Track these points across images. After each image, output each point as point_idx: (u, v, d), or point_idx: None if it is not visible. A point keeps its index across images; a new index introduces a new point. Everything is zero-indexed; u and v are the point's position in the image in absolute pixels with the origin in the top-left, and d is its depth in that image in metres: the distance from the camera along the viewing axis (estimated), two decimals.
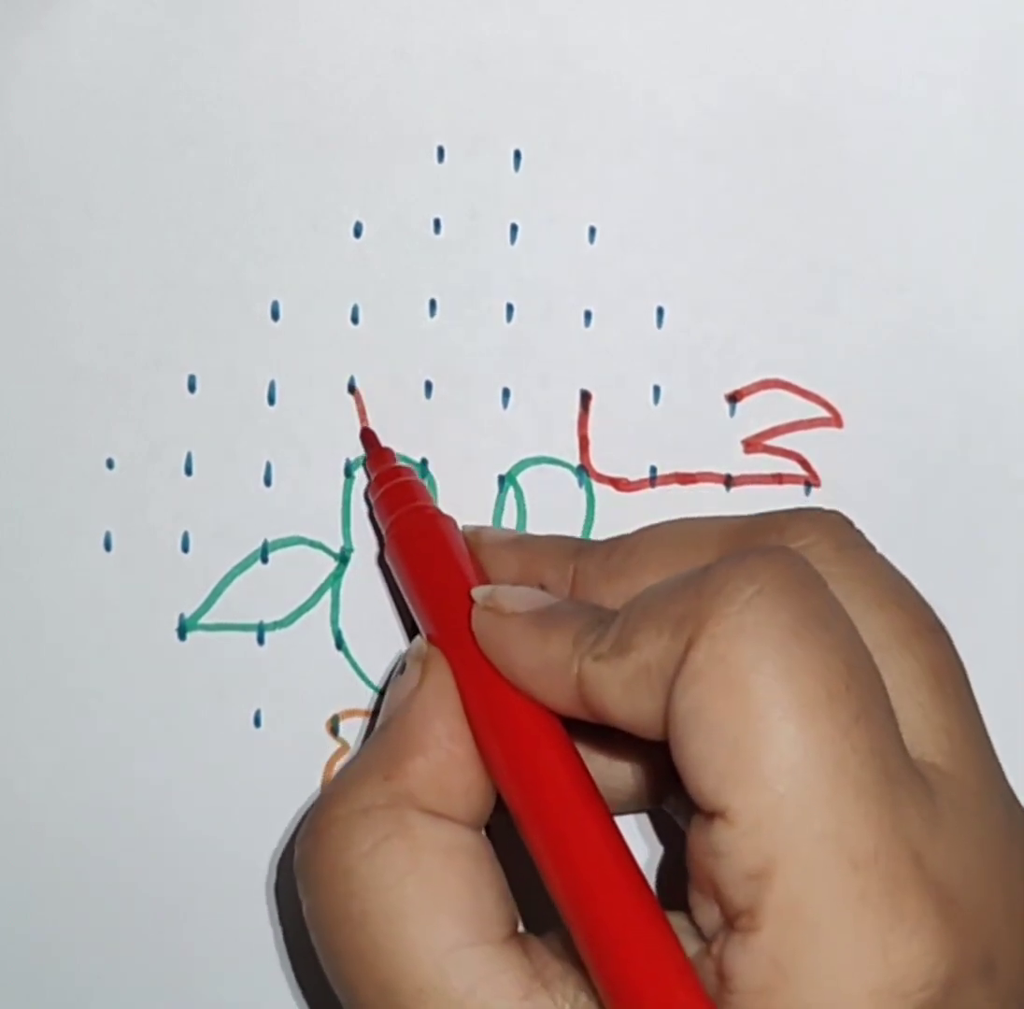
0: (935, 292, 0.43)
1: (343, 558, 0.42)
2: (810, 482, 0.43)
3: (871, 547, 0.37)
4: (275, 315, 0.42)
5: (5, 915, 0.42)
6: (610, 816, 0.34)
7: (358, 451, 0.42)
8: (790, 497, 0.43)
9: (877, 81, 0.43)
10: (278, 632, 0.42)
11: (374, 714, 0.42)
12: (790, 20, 0.42)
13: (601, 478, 0.42)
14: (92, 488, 0.42)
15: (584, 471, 0.42)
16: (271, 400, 0.42)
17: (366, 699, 0.42)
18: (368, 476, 0.42)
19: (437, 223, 0.42)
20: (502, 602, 0.36)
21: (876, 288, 0.43)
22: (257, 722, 0.42)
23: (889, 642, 0.34)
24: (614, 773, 0.38)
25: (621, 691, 0.33)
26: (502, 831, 0.36)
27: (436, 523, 0.40)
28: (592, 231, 0.42)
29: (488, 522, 0.42)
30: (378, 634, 0.42)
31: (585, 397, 0.42)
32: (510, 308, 0.42)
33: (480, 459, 0.42)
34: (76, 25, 0.41)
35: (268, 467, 0.42)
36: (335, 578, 0.42)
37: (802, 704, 0.31)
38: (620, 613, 0.34)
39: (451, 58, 0.42)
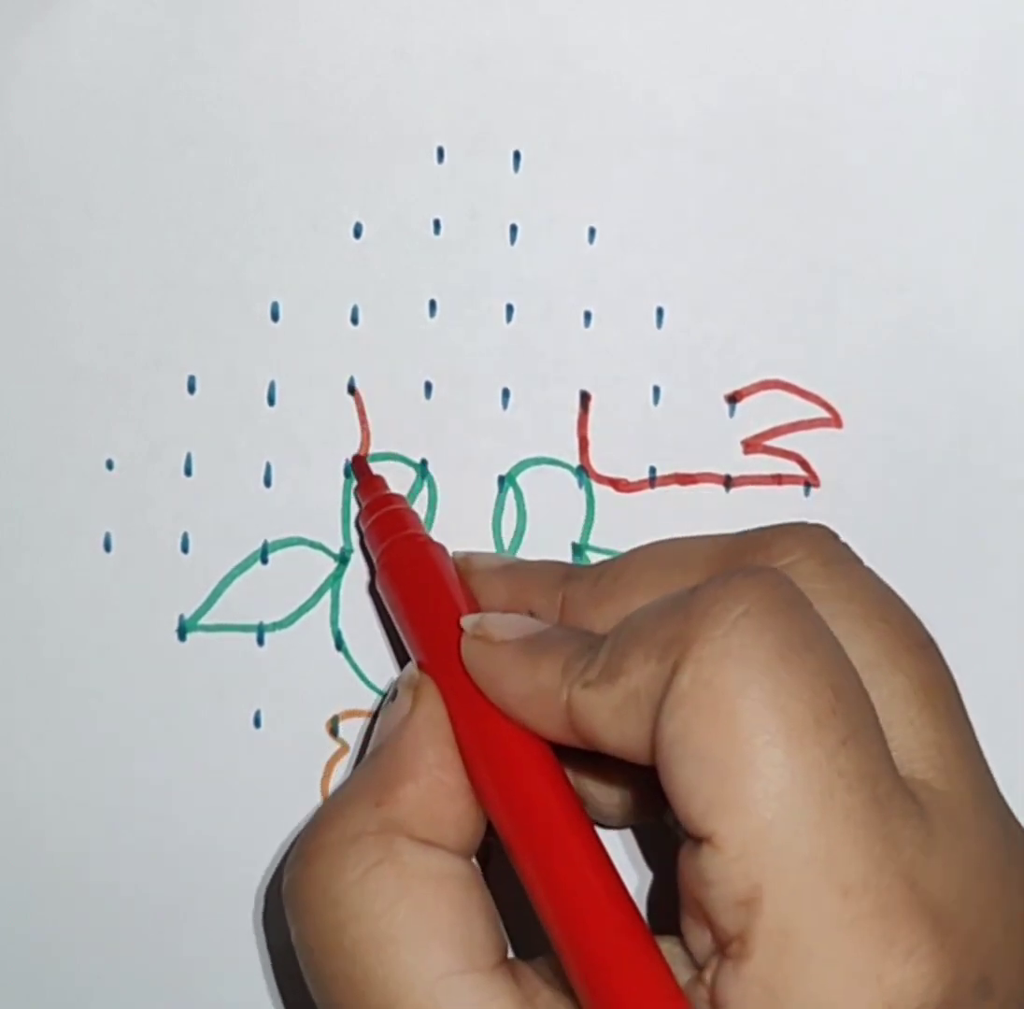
0: (935, 292, 0.43)
1: (343, 559, 0.42)
2: (810, 483, 0.43)
3: (858, 561, 0.36)
4: (275, 315, 0.42)
5: (5, 915, 0.42)
6: (600, 843, 0.34)
7: (357, 451, 0.42)
8: (790, 497, 0.43)
9: (877, 81, 0.43)
10: (278, 633, 0.42)
11: (372, 722, 0.42)
12: (790, 20, 0.42)
13: (601, 479, 0.42)
14: (92, 489, 0.42)
15: (584, 472, 0.42)
16: (271, 401, 0.42)
17: (366, 700, 0.42)
18: (359, 504, 0.42)
19: (437, 223, 0.42)
20: (491, 630, 0.36)
21: (876, 288, 0.43)
22: (257, 723, 0.42)
23: (878, 660, 0.34)
24: (607, 792, 0.38)
25: (610, 717, 0.33)
26: (491, 856, 0.36)
27: (427, 551, 0.40)
28: (592, 231, 0.42)
29: (488, 523, 0.42)
30: (378, 635, 0.42)
31: (585, 397, 0.42)
32: (510, 308, 0.42)
33: (480, 459, 0.42)
34: (76, 25, 0.41)
35: (268, 468, 0.42)
36: (335, 579, 0.42)
37: (789, 729, 0.31)
38: (608, 638, 0.34)
39: (451, 58, 0.42)
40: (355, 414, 0.42)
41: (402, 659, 0.42)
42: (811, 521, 0.37)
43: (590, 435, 0.42)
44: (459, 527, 0.42)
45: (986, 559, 0.43)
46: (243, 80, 0.42)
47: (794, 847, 0.30)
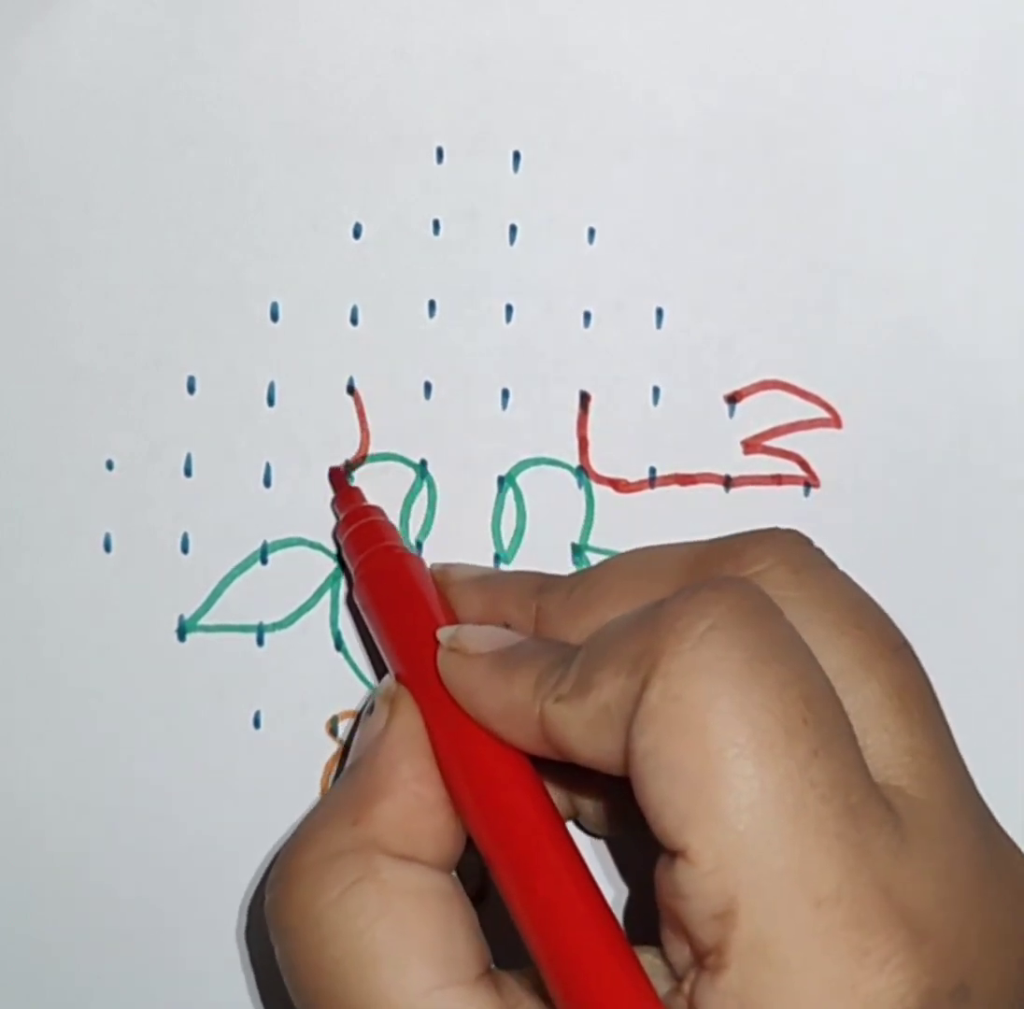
0: (935, 292, 0.43)
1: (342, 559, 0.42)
2: (809, 483, 0.43)
3: (831, 566, 0.36)
4: (274, 316, 0.42)
5: (4, 915, 0.42)
6: (579, 855, 0.34)
7: (357, 451, 0.42)
8: (789, 498, 0.43)
9: (877, 81, 0.43)
10: (278, 633, 0.42)
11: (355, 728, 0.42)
12: (790, 20, 0.42)
13: (600, 479, 0.42)
14: (92, 489, 0.42)
15: (583, 472, 0.42)
16: (271, 401, 0.42)
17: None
18: (336, 516, 0.42)
19: (436, 224, 0.42)
20: (466, 643, 0.36)
21: (876, 288, 0.43)
22: (257, 723, 0.42)
23: (851, 666, 0.34)
24: (588, 802, 0.38)
25: (583, 731, 0.33)
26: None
27: (403, 562, 0.40)
28: (591, 232, 0.42)
29: (488, 523, 0.42)
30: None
31: (584, 398, 0.42)
32: (509, 309, 0.42)
33: (479, 460, 0.42)
34: (76, 25, 0.41)
35: (268, 468, 0.42)
36: (335, 579, 0.42)
37: (759, 741, 0.31)
38: (580, 652, 0.34)
39: (451, 58, 0.42)
40: (355, 414, 0.42)
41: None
42: (784, 526, 0.37)
43: (590, 435, 0.42)
44: (459, 528, 0.42)
45: (986, 559, 0.43)
46: (243, 80, 0.42)
47: (767, 859, 0.30)
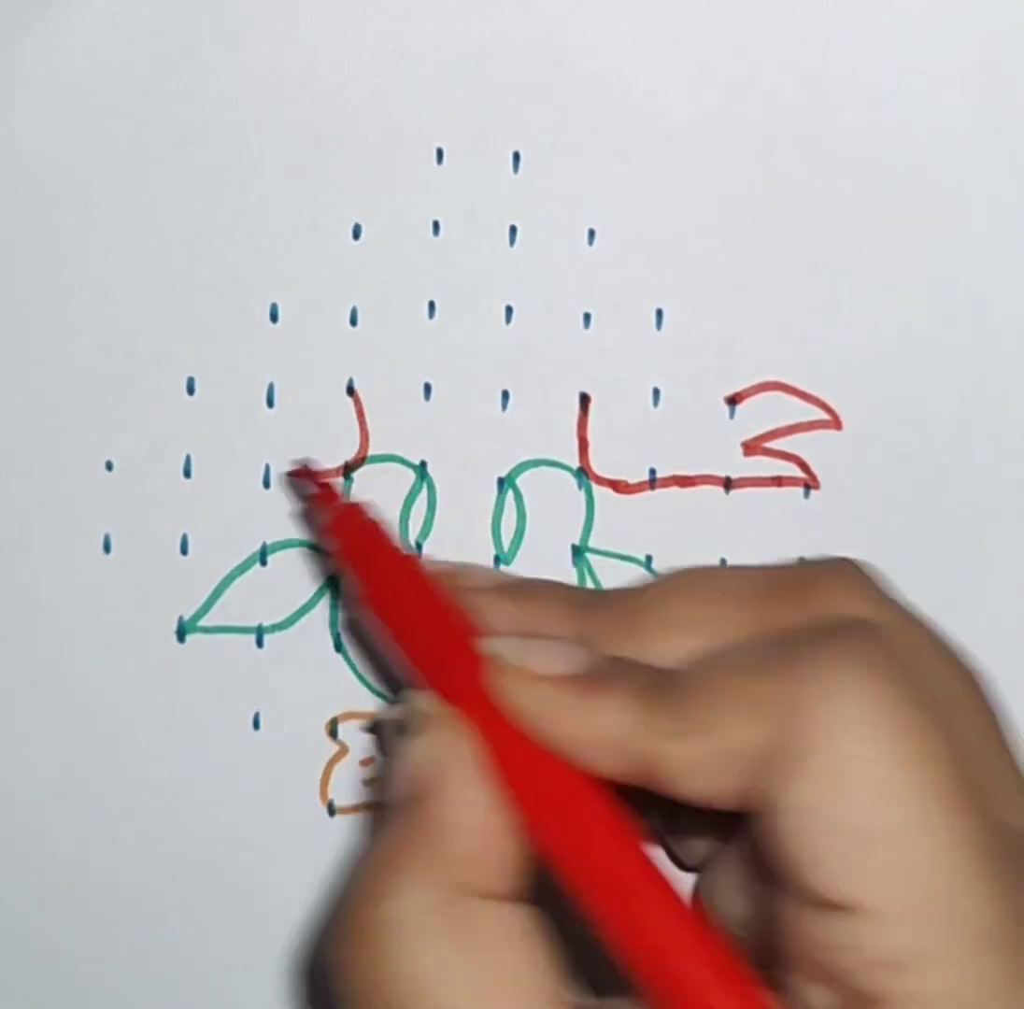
0: (934, 293, 0.43)
1: None
2: (809, 485, 0.43)
3: (899, 597, 0.36)
4: (274, 317, 0.42)
5: (5, 915, 0.42)
6: (667, 876, 0.32)
7: (356, 453, 0.42)
8: (790, 499, 0.43)
9: (877, 81, 0.42)
10: (277, 634, 0.42)
11: (371, 729, 0.42)
12: (790, 20, 0.42)
13: (600, 480, 0.42)
14: (91, 490, 0.42)
15: (583, 473, 0.42)
16: (270, 402, 0.42)
17: (366, 701, 0.42)
18: (313, 518, 0.41)
19: (436, 224, 0.42)
20: (534, 661, 0.33)
21: (876, 289, 0.43)
22: (256, 724, 0.42)
23: (958, 701, 0.34)
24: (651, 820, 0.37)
25: (691, 770, 0.32)
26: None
27: (418, 568, 0.37)
28: (591, 233, 0.42)
29: (487, 525, 0.42)
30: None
31: (584, 399, 0.42)
32: (509, 310, 0.42)
33: (479, 461, 0.42)
34: (76, 25, 0.41)
35: (267, 469, 0.42)
36: (334, 581, 0.42)
37: (921, 792, 0.30)
38: (686, 684, 0.32)
39: (451, 58, 0.42)
40: (354, 416, 0.42)
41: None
42: (848, 556, 0.37)
43: (590, 437, 0.42)
44: (458, 529, 0.42)
45: (986, 559, 0.43)
46: (243, 80, 0.42)
47: (947, 910, 0.30)
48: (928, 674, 0.33)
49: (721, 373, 0.42)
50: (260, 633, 0.42)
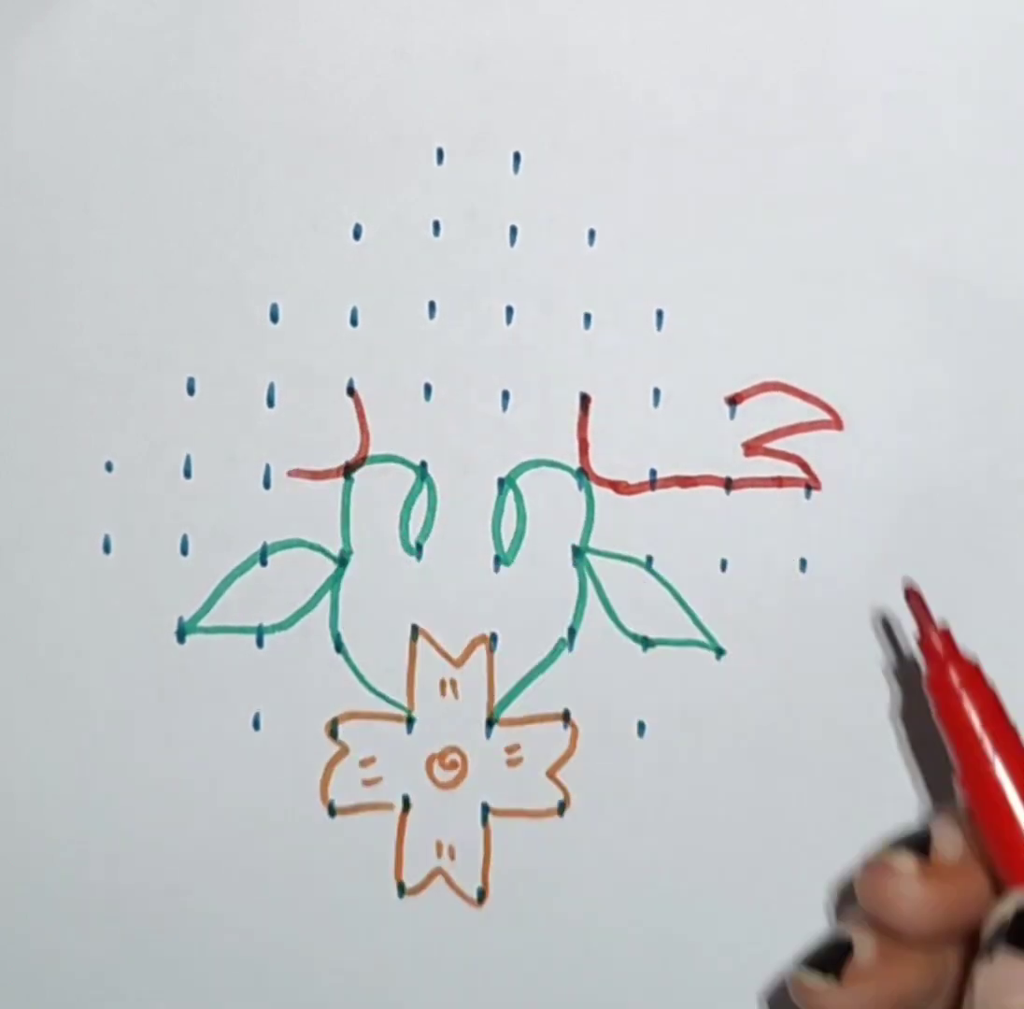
0: (934, 293, 0.43)
1: (342, 561, 0.42)
2: (810, 485, 0.43)
3: None
4: (274, 317, 0.42)
5: (5, 915, 0.42)
6: None
7: (356, 453, 0.42)
8: (790, 500, 0.43)
9: (877, 81, 0.42)
10: (277, 635, 0.42)
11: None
12: (790, 20, 0.42)
13: (601, 481, 0.42)
14: (91, 490, 0.42)
15: (584, 474, 0.42)
16: (270, 402, 0.42)
17: (366, 702, 0.42)
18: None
19: (436, 225, 0.42)
20: None
21: (876, 289, 0.43)
22: (256, 725, 0.42)
23: None
24: None
25: None
26: None
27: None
28: (592, 233, 0.42)
29: (488, 525, 0.42)
30: (377, 636, 0.42)
31: (585, 399, 0.42)
32: (510, 310, 0.42)
33: (479, 462, 0.42)
34: (76, 25, 0.41)
35: (267, 469, 0.42)
36: (334, 581, 0.42)
37: None
38: None
39: (451, 58, 0.42)
40: (354, 416, 0.42)
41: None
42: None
43: (590, 437, 0.42)
44: (458, 530, 0.42)
45: (986, 559, 0.43)
46: (243, 80, 0.42)
47: None
48: None
49: (721, 373, 0.42)
50: (260, 633, 0.42)
